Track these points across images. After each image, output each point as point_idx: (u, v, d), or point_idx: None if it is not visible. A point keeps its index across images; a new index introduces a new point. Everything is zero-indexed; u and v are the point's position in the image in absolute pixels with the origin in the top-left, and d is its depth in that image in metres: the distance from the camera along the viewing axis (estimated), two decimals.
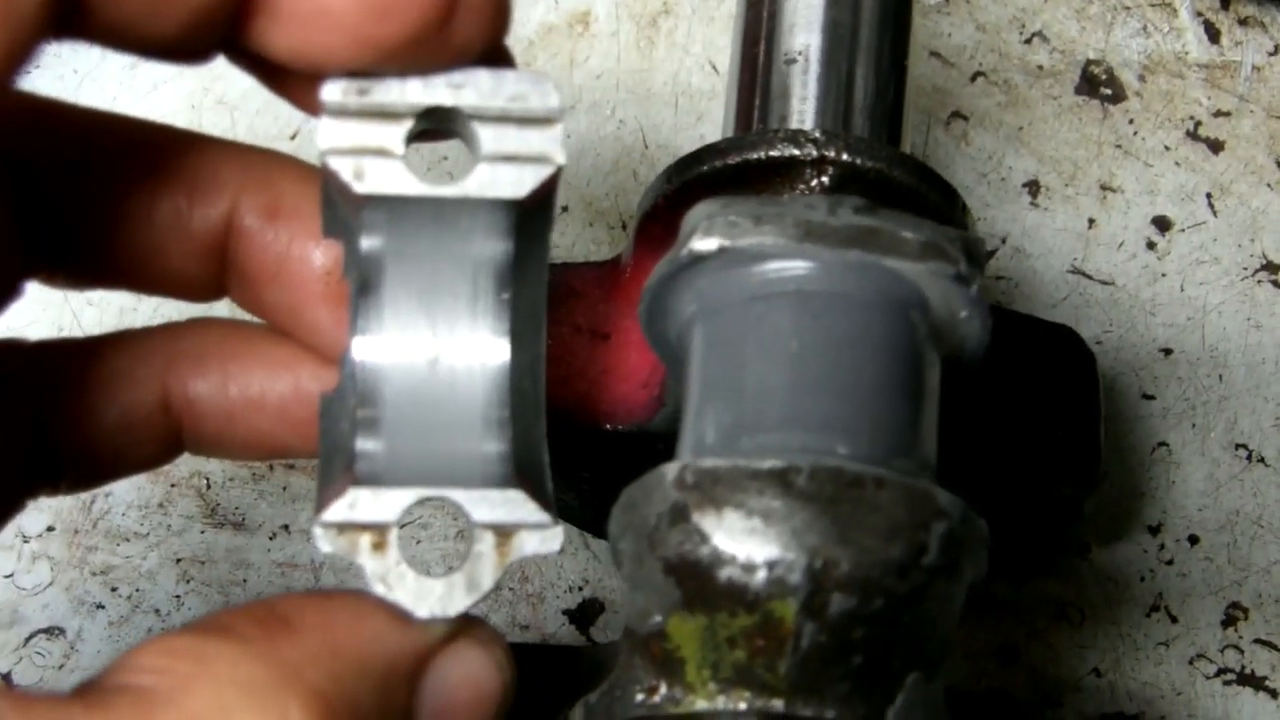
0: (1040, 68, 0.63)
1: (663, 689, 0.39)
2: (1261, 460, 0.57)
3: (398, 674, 0.34)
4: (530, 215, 0.35)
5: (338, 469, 0.36)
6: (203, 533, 0.54)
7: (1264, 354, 0.58)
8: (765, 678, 0.38)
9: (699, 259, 0.41)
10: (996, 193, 0.61)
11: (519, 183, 0.34)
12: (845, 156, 0.45)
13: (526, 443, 0.37)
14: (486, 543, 0.35)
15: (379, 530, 0.35)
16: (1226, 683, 0.53)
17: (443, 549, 0.55)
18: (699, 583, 0.37)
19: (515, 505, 0.36)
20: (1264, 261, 0.60)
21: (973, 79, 0.63)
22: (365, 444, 0.36)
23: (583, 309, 0.50)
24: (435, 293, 0.36)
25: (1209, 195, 0.61)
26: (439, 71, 0.34)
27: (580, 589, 0.54)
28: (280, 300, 0.39)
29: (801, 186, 0.46)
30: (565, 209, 0.60)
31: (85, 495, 0.54)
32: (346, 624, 0.34)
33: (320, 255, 0.38)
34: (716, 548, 0.37)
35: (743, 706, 0.38)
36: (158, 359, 0.40)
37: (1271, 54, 0.64)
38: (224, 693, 0.31)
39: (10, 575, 0.53)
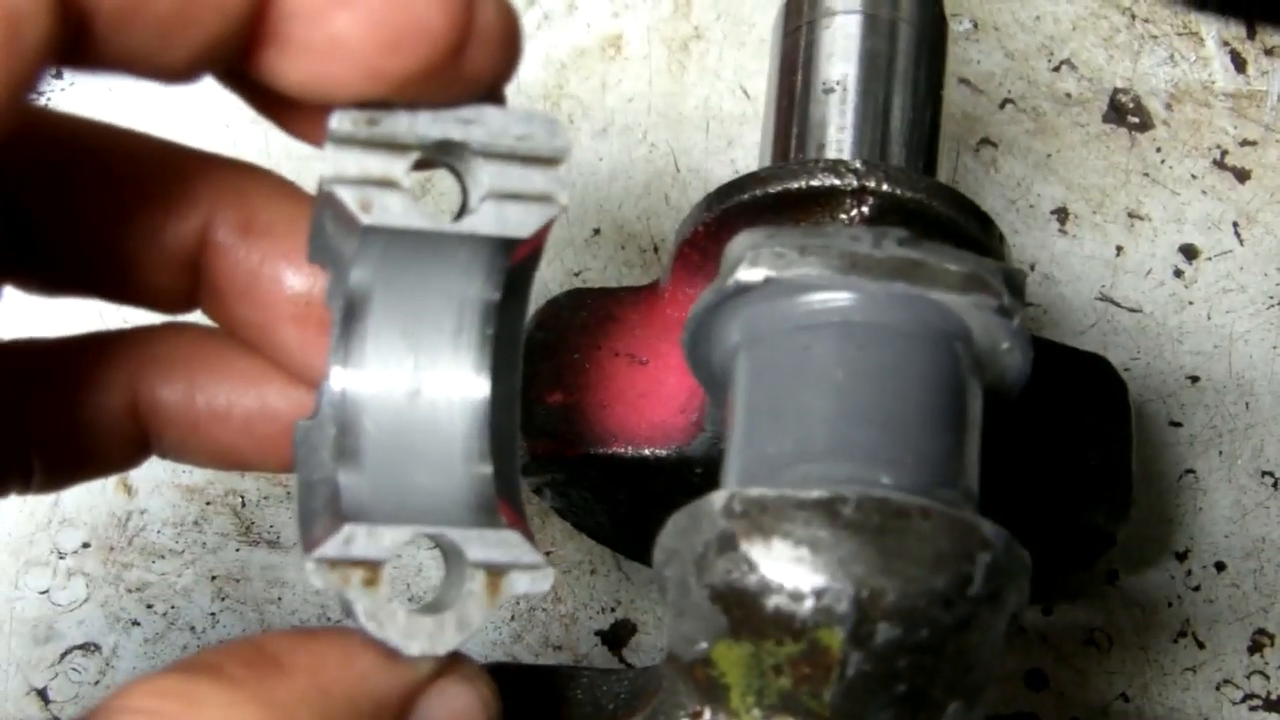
0: (1068, 95, 0.64)
1: (707, 715, 0.39)
2: None
3: (386, 712, 0.35)
4: (526, 253, 0.36)
5: (320, 501, 0.36)
6: (238, 550, 0.55)
7: None
8: (810, 705, 0.38)
9: (745, 289, 0.41)
10: (1025, 220, 0.61)
11: (523, 223, 0.34)
12: (885, 187, 0.46)
13: (506, 478, 0.37)
14: (478, 581, 0.35)
15: (372, 566, 0.35)
16: (1253, 708, 0.54)
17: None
18: (746, 610, 0.38)
19: (510, 546, 0.36)
20: None
21: (1001, 106, 0.63)
22: (347, 476, 0.36)
23: (621, 334, 0.51)
24: (420, 326, 0.36)
25: (1235, 224, 0.61)
26: (448, 106, 0.34)
27: (613, 610, 0.55)
28: (249, 317, 0.39)
29: (842, 216, 0.46)
30: (597, 231, 0.61)
31: (120, 512, 0.55)
32: (335, 663, 0.34)
33: (293, 276, 0.38)
34: (764, 576, 0.37)
35: None
36: (128, 362, 0.40)
37: None
38: None
39: (46, 591, 0.54)
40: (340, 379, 0.36)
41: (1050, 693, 0.54)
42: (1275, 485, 0.57)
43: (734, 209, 0.47)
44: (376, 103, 0.33)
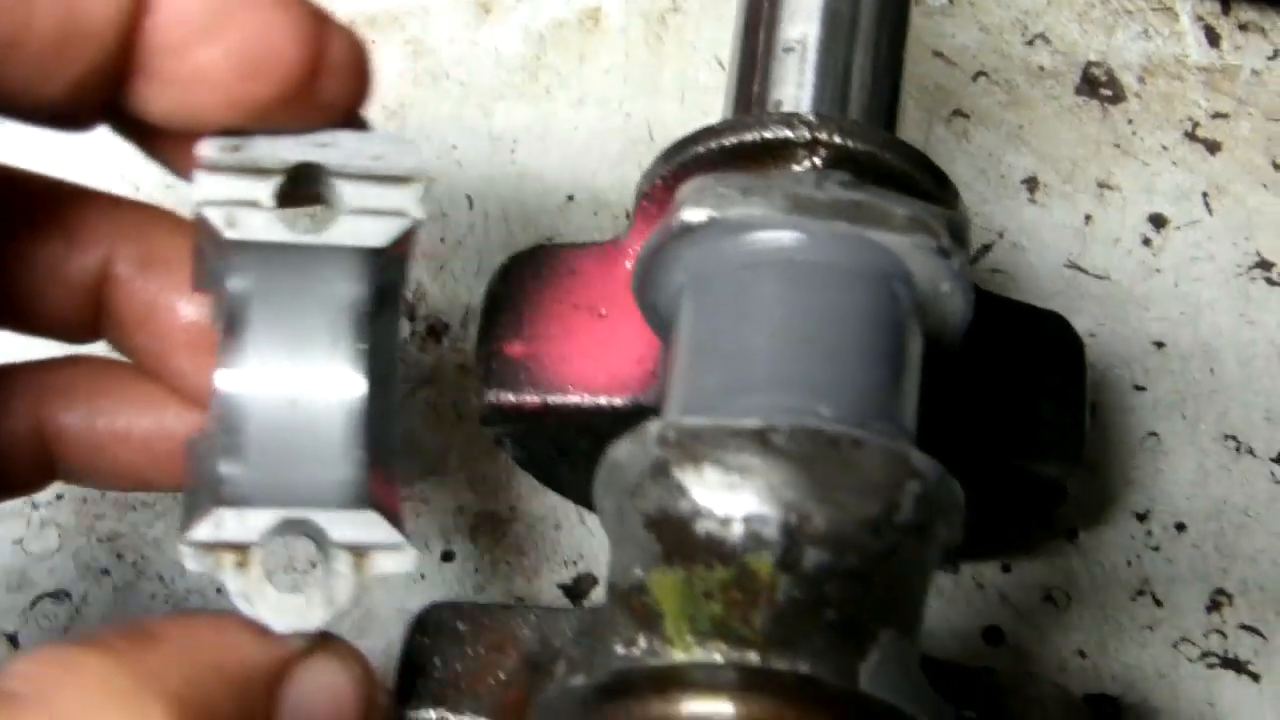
0: (1042, 68, 0.64)
1: (642, 642, 0.40)
2: (1251, 451, 0.57)
3: (256, 682, 0.37)
4: (389, 263, 0.39)
5: (204, 497, 0.38)
6: None
7: (1256, 349, 0.59)
8: (741, 631, 0.39)
9: (689, 229, 0.42)
10: (995, 189, 0.62)
11: (378, 234, 0.38)
12: (838, 139, 0.46)
13: (385, 466, 0.40)
14: (343, 562, 0.38)
15: (242, 550, 0.37)
16: (1210, 666, 0.54)
17: (441, 522, 0.56)
18: (678, 536, 0.38)
19: (371, 526, 0.38)
20: (1258, 259, 0.61)
21: (975, 78, 0.64)
22: (229, 469, 0.38)
23: (581, 287, 0.51)
24: (298, 331, 0.39)
25: (1205, 194, 0.62)
26: (308, 131, 0.37)
27: (575, 563, 0.56)
28: (148, 345, 0.42)
29: (795, 168, 0.47)
30: (571, 198, 0.62)
31: None
32: (207, 636, 0.37)
33: (186, 306, 0.41)
34: (695, 502, 0.38)
35: (719, 659, 0.39)
36: (32, 391, 0.43)
37: (1271, 58, 0.65)
38: (90, 696, 0.33)
39: (19, 540, 0.55)
40: (224, 382, 0.39)
41: (1007, 648, 0.54)
42: (1239, 449, 0.57)
43: (690, 161, 0.47)
44: (240, 130, 0.37)
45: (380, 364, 0.39)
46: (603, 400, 0.49)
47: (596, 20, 0.65)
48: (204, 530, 0.37)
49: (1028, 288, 0.60)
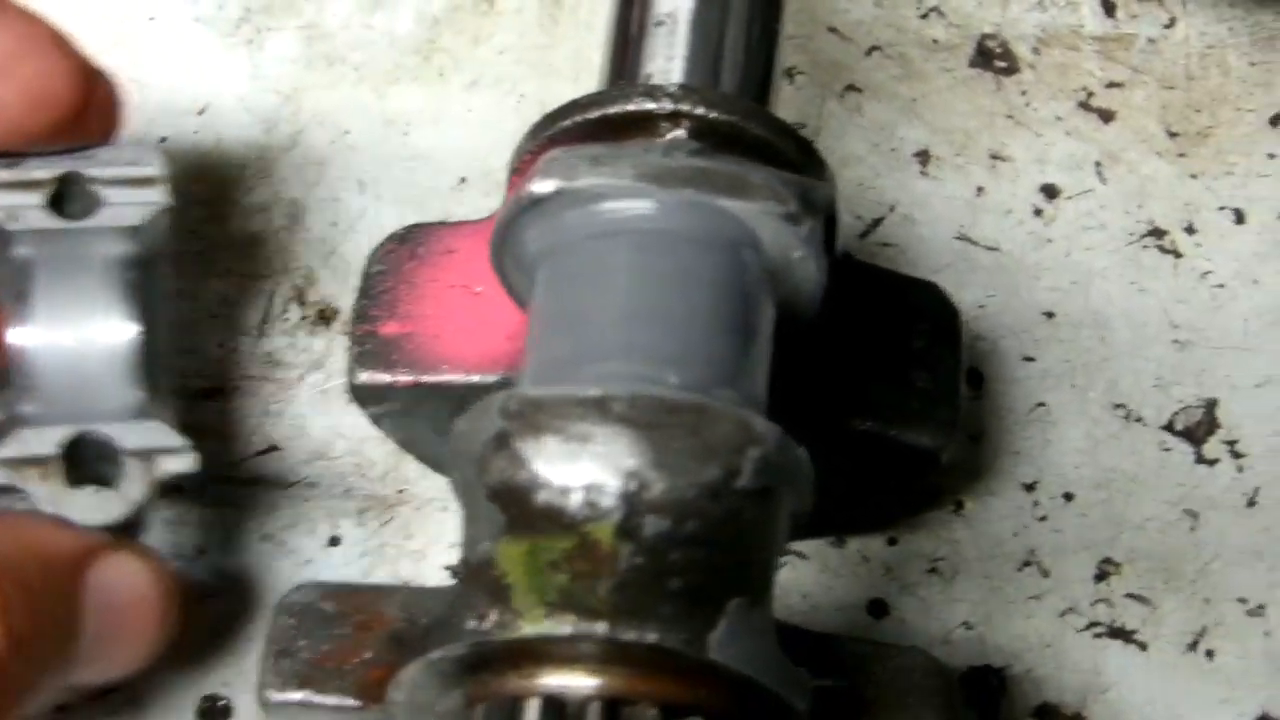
0: (936, 41, 0.64)
1: (493, 615, 0.40)
2: (1140, 420, 0.57)
3: (63, 561, 0.44)
4: (146, 237, 0.47)
5: (6, 427, 0.46)
6: None
7: (1147, 316, 0.59)
8: (588, 601, 0.39)
9: (537, 200, 0.42)
10: (887, 162, 0.62)
11: (133, 215, 0.47)
12: (700, 110, 0.46)
13: (159, 394, 0.47)
14: (134, 465, 0.46)
15: (43, 462, 0.45)
16: (1096, 635, 0.54)
17: (328, 507, 0.56)
18: (520, 507, 0.38)
19: (156, 433, 0.46)
20: (1151, 227, 0.61)
21: (869, 53, 0.64)
22: (25, 408, 0.46)
23: (457, 266, 0.51)
24: (77, 292, 0.47)
25: (1098, 164, 0.62)
26: (73, 149, 0.47)
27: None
28: None
29: (659, 140, 0.47)
30: (464, 180, 0.61)
31: None
32: (19, 523, 0.45)
33: None
34: (535, 472, 0.38)
35: (568, 630, 0.39)
36: None
37: (1167, 26, 0.65)
38: None
39: None
40: (17, 338, 0.46)
41: (892, 620, 0.54)
42: (1128, 417, 0.57)
43: (556, 135, 0.47)
44: (16, 153, 0.46)
45: (150, 312, 0.47)
46: (475, 377, 0.49)
47: (492, 2, 0.65)
48: (9, 449, 0.45)
49: (918, 260, 0.60)
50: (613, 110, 0.47)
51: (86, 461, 0.46)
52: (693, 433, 0.38)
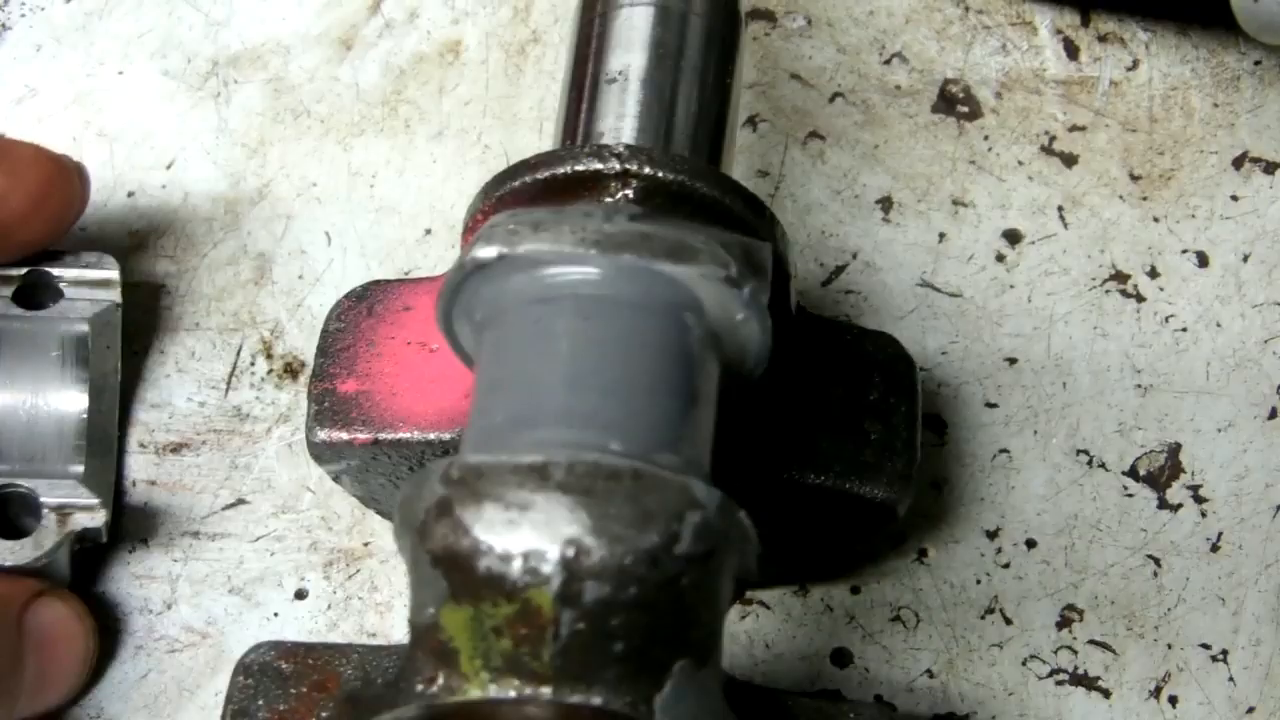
0: (898, 87, 0.65)
1: (440, 679, 0.40)
2: (1103, 465, 0.57)
3: (10, 604, 0.50)
4: (99, 325, 0.55)
5: None
6: None
7: (1109, 361, 0.59)
8: (532, 665, 0.39)
9: (481, 266, 0.43)
10: (850, 209, 0.62)
11: (86, 310, 0.55)
12: (648, 170, 0.47)
13: (99, 458, 0.55)
14: (50, 519, 0.52)
15: None
16: (1059, 682, 0.54)
17: (295, 560, 0.56)
18: (463, 574, 0.39)
19: (73, 491, 0.53)
20: (1113, 271, 0.61)
21: (831, 99, 0.64)
22: None
23: (414, 323, 0.52)
24: (36, 365, 0.54)
25: (1060, 208, 0.62)
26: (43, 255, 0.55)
27: None
28: None
29: (608, 200, 0.47)
30: (429, 231, 0.62)
31: None
32: None
33: None
34: (476, 539, 0.38)
35: (513, 694, 0.39)
36: None
37: (1130, 68, 0.65)
38: None
39: None
40: None
41: (855, 669, 0.54)
42: (1090, 463, 0.58)
43: (507, 195, 0.48)
44: None
45: (98, 385, 0.55)
46: (431, 435, 0.50)
47: (457, 53, 0.65)
48: None
49: (881, 307, 0.60)
50: (560, 171, 0.47)
51: (13, 512, 0.53)
52: (631, 499, 0.38)
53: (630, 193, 0.46)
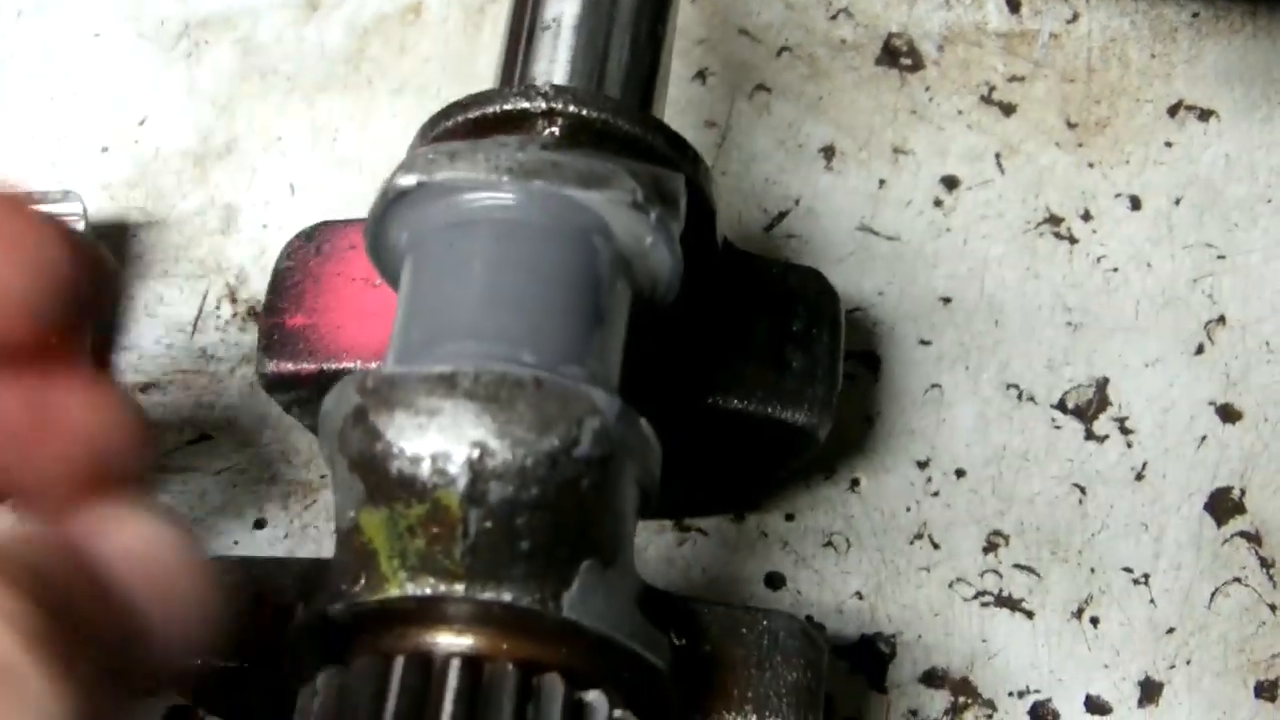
0: (843, 41, 0.67)
1: (363, 579, 0.43)
2: (1032, 399, 0.59)
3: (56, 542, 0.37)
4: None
5: None
6: None
7: (1040, 300, 0.61)
8: (444, 564, 0.41)
9: (401, 193, 0.45)
10: (794, 158, 0.64)
11: None
12: (572, 108, 0.49)
13: None
14: None
15: None
16: (984, 605, 0.56)
17: (255, 492, 0.59)
18: (377, 477, 0.41)
19: None
20: (1047, 215, 0.63)
21: (778, 54, 0.66)
22: None
23: (358, 260, 0.54)
24: None
25: (998, 155, 0.64)
26: None
27: None
28: None
29: (535, 137, 0.49)
30: None
31: None
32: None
33: None
34: (389, 442, 0.41)
35: (428, 592, 0.42)
36: None
37: (1070, 21, 0.67)
38: None
39: None
40: None
41: (788, 591, 0.56)
42: (1020, 397, 0.60)
43: (441, 134, 0.50)
44: None
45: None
46: (372, 365, 0.52)
47: (418, 13, 0.68)
48: None
49: (821, 250, 0.62)
50: (490, 110, 0.49)
51: None
52: (533, 406, 0.41)
53: (556, 130, 0.49)
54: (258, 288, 0.62)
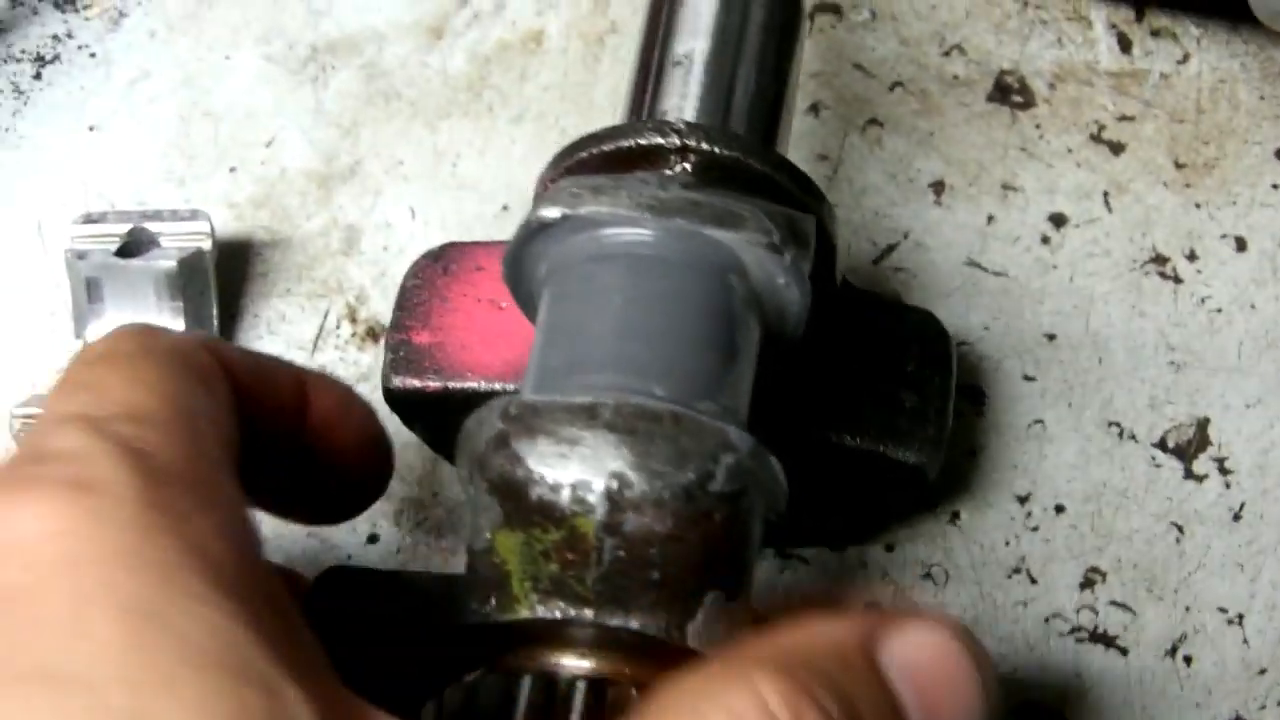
0: (956, 77, 0.68)
1: (494, 600, 0.44)
2: (1133, 437, 0.61)
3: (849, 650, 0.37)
4: (191, 266, 0.62)
5: None
6: None
7: (1145, 339, 0.62)
8: (576, 589, 0.43)
9: (545, 225, 0.47)
10: (904, 192, 0.66)
11: (175, 254, 0.61)
12: (705, 145, 0.50)
13: None
14: None
15: None
16: (1079, 640, 0.57)
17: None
18: (516, 501, 0.43)
19: None
20: (1153, 254, 0.64)
21: (891, 89, 0.68)
22: None
23: (485, 282, 0.56)
24: (135, 299, 0.62)
25: (1106, 193, 0.65)
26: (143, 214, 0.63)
27: None
28: None
29: (667, 172, 0.51)
30: (505, 208, 0.66)
31: None
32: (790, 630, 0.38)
33: None
34: (530, 469, 0.42)
35: (558, 615, 0.43)
36: None
37: (1180, 61, 0.68)
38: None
39: None
40: (91, 334, 0.61)
41: None
42: (1121, 434, 0.61)
43: (574, 166, 0.52)
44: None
45: (196, 314, 0.62)
46: (497, 385, 0.54)
47: (539, 42, 0.70)
48: None
49: (929, 284, 0.63)
50: (624, 144, 0.51)
51: None
52: (670, 440, 0.42)
53: (688, 166, 0.50)
54: (377, 308, 0.64)
